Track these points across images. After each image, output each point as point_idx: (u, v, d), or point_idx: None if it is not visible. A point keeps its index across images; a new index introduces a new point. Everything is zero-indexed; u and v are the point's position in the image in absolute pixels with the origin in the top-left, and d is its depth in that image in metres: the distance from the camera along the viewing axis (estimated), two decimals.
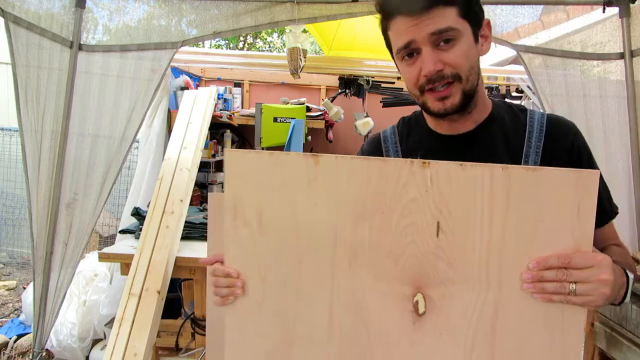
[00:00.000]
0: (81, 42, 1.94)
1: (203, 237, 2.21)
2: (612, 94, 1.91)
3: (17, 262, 4.42)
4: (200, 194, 3.17)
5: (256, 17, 2.00)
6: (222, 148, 3.43)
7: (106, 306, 2.54)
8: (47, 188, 1.91)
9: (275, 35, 10.41)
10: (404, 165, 0.68)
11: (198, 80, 3.77)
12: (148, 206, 2.22)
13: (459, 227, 0.68)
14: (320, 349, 0.77)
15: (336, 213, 0.72)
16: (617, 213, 0.95)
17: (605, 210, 0.92)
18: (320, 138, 3.60)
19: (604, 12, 1.90)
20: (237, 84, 3.84)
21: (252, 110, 3.43)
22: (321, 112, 3.42)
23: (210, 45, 8.58)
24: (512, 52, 2.06)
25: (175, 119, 2.65)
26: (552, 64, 1.95)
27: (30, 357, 2.03)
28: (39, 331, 1.95)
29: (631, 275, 0.75)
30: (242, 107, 3.77)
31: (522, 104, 3.32)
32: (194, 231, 2.23)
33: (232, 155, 0.76)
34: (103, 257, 2.02)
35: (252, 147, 3.59)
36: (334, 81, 3.54)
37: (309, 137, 3.38)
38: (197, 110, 2.68)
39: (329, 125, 3.50)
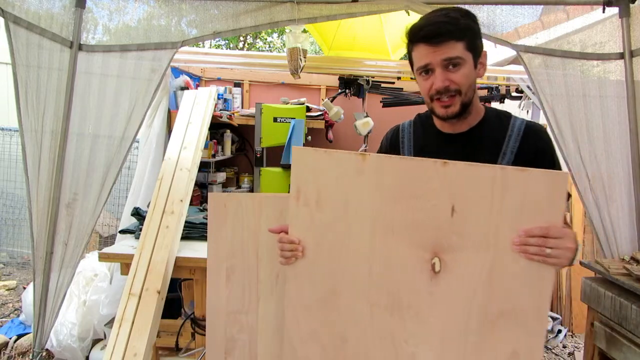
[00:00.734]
0: (81, 42, 1.94)
1: (203, 237, 2.21)
2: (612, 94, 1.91)
3: (17, 262, 4.42)
4: (200, 194, 3.17)
5: (256, 17, 2.01)
6: (222, 148, 3.43)
7: (106, 306, 2.54)
8: (47, 188, 1.91)
9: (275, 35, 10.40)
10: (429, 164, 0.95)
11: (198, 80, 3.77)
12: (148, 206, 2.22)
13: (468, 209, 0.93)
14: (359, 297, 1.02)
15: (378, 197, 0.98)
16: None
17: None
18: (320, 138, 3.59)
19: (603, 12, 1.90)
20: (237, 84, 3.84)
21: (252, 110, 3.43)
22: (321, 112, 3.41)
23: (210, 45, 8.58)
24: (512, 52, 2.05)
25: (175, 119, 2.65)
26: (552, 64, 1.95)
27: (30, 357, 2.03)
28: (39, 331, 1.95)
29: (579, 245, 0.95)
30: (242, 107, 3.77)
31: (522, 104, 3.33)
32: (194, 231, 2.23)
33: (298, 152, 1.03)
34: (103, 257, 2.03)
35: (252, 147, 3.59)
36: (334, 81, 3.54)
37: (309, 137, 3.38)
38: (197, 110, 2.68)
39: (329, 125, 3.49)
